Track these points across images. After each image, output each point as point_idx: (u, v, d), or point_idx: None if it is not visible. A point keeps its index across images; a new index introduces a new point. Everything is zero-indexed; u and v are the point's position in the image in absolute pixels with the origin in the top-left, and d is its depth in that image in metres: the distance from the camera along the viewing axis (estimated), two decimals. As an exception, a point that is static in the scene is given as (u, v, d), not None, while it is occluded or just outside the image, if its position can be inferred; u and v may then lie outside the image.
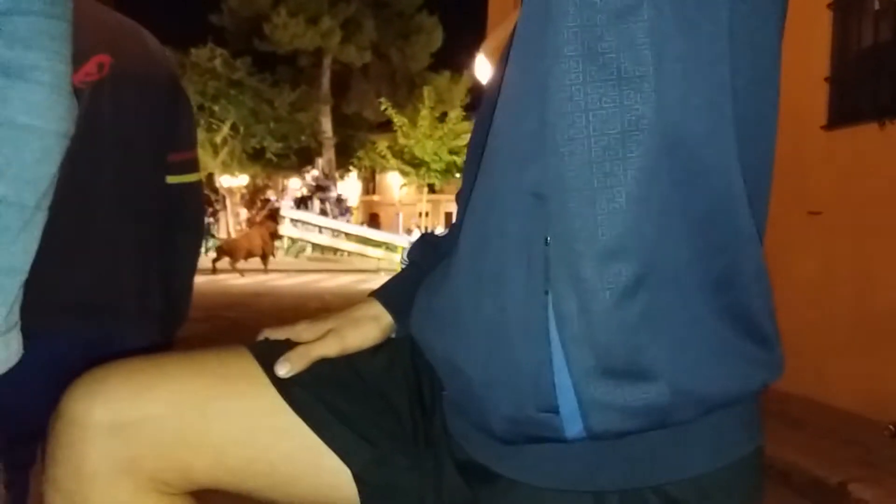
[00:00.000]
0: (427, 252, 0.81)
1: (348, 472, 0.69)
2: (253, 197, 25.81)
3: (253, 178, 26.14)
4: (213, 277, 13.84)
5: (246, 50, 22.65)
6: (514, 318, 0.58)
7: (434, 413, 0.73)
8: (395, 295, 0.79)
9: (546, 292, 0.58)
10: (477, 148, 0.68)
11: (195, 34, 22.96)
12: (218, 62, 22.44)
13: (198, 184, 1.35)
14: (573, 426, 0.58)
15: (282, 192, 27.39)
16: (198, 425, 0.67)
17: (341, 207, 19.96)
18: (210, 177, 24.36)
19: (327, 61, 22.78)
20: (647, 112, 0.54)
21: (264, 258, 15.19)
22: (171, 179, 1.27)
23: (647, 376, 0.56)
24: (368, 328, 0.76)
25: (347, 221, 19.50)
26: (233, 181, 25.29)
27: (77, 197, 1.10)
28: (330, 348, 0.73)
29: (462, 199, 0.72)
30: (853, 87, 4.15)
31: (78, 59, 1.07)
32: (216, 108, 22.56)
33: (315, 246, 18.70)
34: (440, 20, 23.53)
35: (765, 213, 0.65)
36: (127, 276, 1.19)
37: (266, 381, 0.70)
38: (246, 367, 0.71)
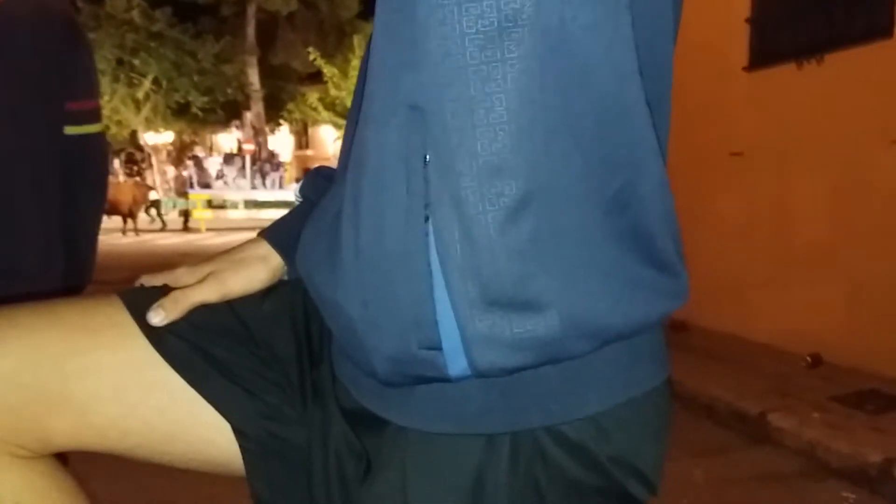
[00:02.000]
0: (320, 185, 0.74)
1: (228, 426, 0.64)
2: (180, 154, 25.00)
3: (179, 134, 25.25)
4: (141, 238, 13.45)
5: (165, 0, 21.61)
6: (392, 247, 0.53)
7: (322, 360, 0.68)
8: (285, 233, 0.72)
9: (427, 218, 0.52)
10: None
11: (109, -17, 21.73)
12: (136, 13, 21.35)
13: (100, 135, 1.27)
14: (457, 363, 0.54)
15: (210, 148, 26.62)
16: (56, 382, 0.61)
17: (273, 164, 19.48)
18: (133, 134, 23.47)
19: (251, 10, 21.90)
20: (525, 4, 0.47)
21: (128, 217, 14.17)
22: (70, 130, 1.19)
23: (535, 307, 0.51)
24: (254, 270, 0.70)
25: (280, 178, 19.03)
26: (158, 138, 24.38)
27: None
28: (210, 293, 0.67)
29: (349, 121, 0.65)
30: (773, 28, 4.20)
31: None
32: (136, 61, 21.58)
33: (247, 203, 18.24)
34: (368, -33, 22.85)
35: (666, 127, 0.59)
36: (26, 235, 1.11)
37: (136, 330, 0.64)
38: (114, 317, 0.64)
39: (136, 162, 24.68)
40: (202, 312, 0.67)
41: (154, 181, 22.74)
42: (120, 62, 21.34)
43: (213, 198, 18.07)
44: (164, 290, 0.67)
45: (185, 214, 16.34)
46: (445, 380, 0.55)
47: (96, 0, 21.12)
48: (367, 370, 0.59)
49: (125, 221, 14.25)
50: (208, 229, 15.58)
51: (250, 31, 22.25)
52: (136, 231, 14.15)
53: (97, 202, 1.31)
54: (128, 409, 0.63)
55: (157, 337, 0.64)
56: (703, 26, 4.58)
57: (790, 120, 3.98)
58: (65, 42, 1.16)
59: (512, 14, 0.48)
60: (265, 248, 0.72)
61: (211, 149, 27.13)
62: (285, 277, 0.73)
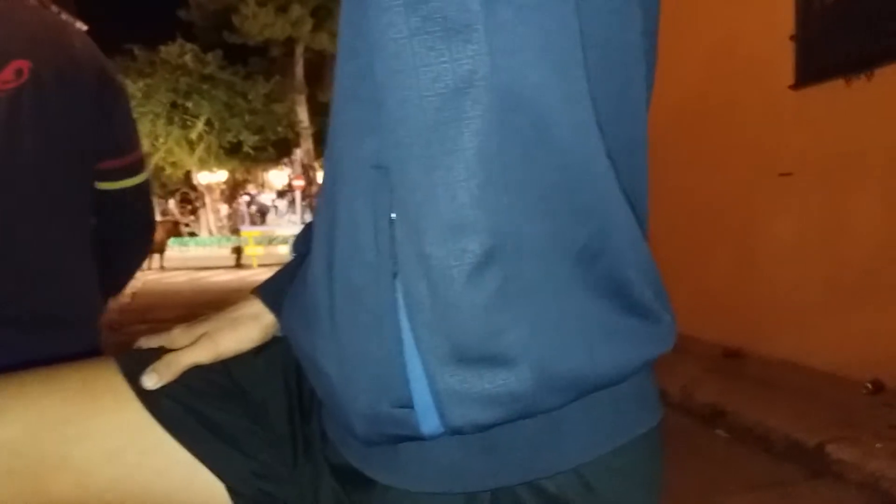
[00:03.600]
0: (310, 239, 0.75)
1: (223, 486, 0.65)
2: (233, 192, 25.66)
3: (232, 172, 25.95)
4: (194, 275, 13.76)
5: (216, 43, 22.38)
6: (364, 305, 0.53)
7: (312, 417, 0.69)
8: (277, 290, 0.72)
9: (395, 275, 0.52)
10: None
11: (164, 31, 22.73)
12: (188, 58, 22.23)
13: (144, 184, 1.28)
14: (429, 421, 0.53)
15: (261, 185, 27.23)
16: (56, 447, 0.62)
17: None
18: (188, 174, 24.20)
19: (299, 50, 22.56)
20: (479, 66, 0.48)
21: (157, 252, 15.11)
22: (108, 186, 1.21)
23: (505, 361, 0.50)
24: (247, 328, 0.71)
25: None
26: (211, 177, 25.08)
27: (1, 206, 1.04)
28: (202, 354, 0.68)
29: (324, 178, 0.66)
30: (819, 45, 4.09)
31: None
32: (189, 104, 22.39)
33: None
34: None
35: (641, 170, 0.59)
36: (62, 283, 1.13)
37: (131, 394, 0.65)
38: (110, 382, 0.65)
39: (190, 201, 25.40)
40: (196, 373, 0.67)
41: (207, 219, 23.34)
42: (174, 105, 22.14)
43: (265, 234, 18.45)
44: (160, 353, 0.68)
45: (238, 251, 16.68)
46: (419, 438, 0.54)
47: (151, 46, 22.02)
48: (347, 429, 0.58)
49: (151, 257, 14.94)
50: (260, 265, 15.88)
51: (299, 70, 22.88)
52: (162, 267, 14.73)
53: (141, 249, 1.35)
54: (126, 473, 0.64)
55: (151, 400, 0.65)
56: (746, 45, 4.51)
57: (840, 138, 3.86)
58: (98, 102, 1.17)
59: (466, 75, 0.49)
60: (258, 307, 0.72)
61: (262, 186, 27.75)
62: (278, 334, 0.73)
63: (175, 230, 16.26)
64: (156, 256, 14.95)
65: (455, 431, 0.53)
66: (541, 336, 0.51)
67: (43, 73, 1.07)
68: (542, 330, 0.51)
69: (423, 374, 0.52)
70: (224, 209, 24.23)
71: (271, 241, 18.71)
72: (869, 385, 3.46)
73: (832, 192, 3.93)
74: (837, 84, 3.86)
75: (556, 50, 0.50)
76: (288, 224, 18.68)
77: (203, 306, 9.72)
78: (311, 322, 0.59)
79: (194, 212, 24.07)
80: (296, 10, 21.17)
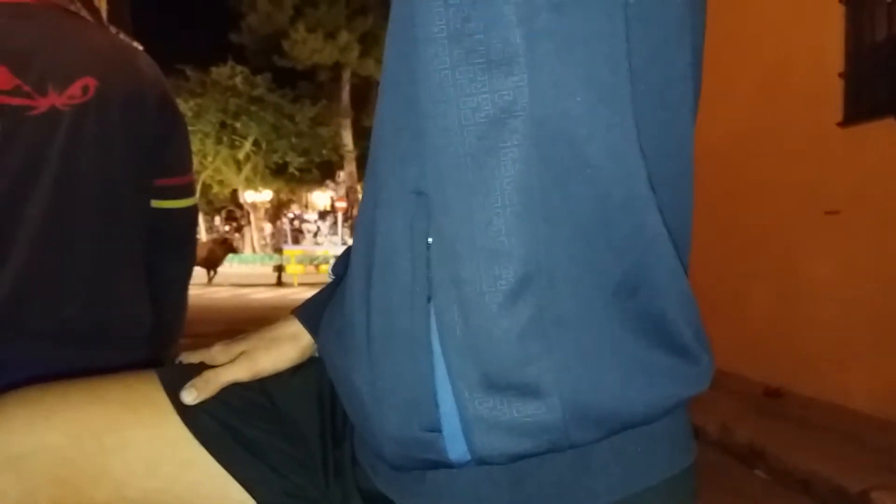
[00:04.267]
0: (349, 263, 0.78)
1: (254, 503, 0.66)
2: (277, 211, 26.03)
3: (276, 192, 26.36)
4: (236, 292, 13.97)
5: (266, 66, 22.87)
6: (398, 328, 0.54)
7: (345, 440, 0.70)
8: (315, 311, 0.74)
9: (429, 299, 0.53)
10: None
11: (216, 53, 23.33)
12: (239, 80, 22.73)
13: (191, 209, 1.31)
14: (457, 447, 0.53)
15: (305, 206, 27.58)
16: (96, 456, 0.64)
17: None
18: (234, 193, 24.64)
19: (346, 75, 22.92)
20: (519, 96, 0.49)
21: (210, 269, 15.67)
22: (160, 204, 1.24)
23: (536, 391, 0.50)
24: (285, 349, 0.72)
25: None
26: (256, 196, 25.51)
27: (57, 221, 1.08)
28: (240, 372, 0.70)
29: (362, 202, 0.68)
30: (868, 82, 4.04)
31: (62, 82, 1.07)
32: (238, 124, 22.84)
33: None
34: (458, 30, 23.51)
35: (685, 204, 0.59)
36: (111, 299, 1.16)
37: (170, 408, 0.66)
38: (151, 395, 0.67)
39: (235, 219, 25.84)
40: (233, 390, 0.69)
41: (252, 237, 23.67)
42: (223, 125, 22.61)
43: (306, 253, 18.65)
44: (200, 368, 0.70)
45: (279, 269, 16.89)
46: (447, 464, 0.55)
47: (203, 68, 22.59)
48: (377, 452, 0.59)
49: (209, 273, 15.57)
50: (300, 284, 16.04)
51: (345, 95, 23.24)
52: (209, 283, 15.32)
53: (183, 272, 1.37)
54: (162, 485, 0.65)
55: (189, 415, 0.66)
56: (795, 81, 4.47)
57: (888, 177, 3.79)
58: (158, 122, 1.20)
59: (507, 105, 0.50)
60: (296, 327, 0.73)
61: (306, 206, 28.11)
62: (315, 355, 0.74)
63: (230, 248, 16.60)
64: (210, 272, 15.49)
65: (482, 460, 0.53)
66: (573, 368, 0.51)
67: (108, 91, 1.11)
68: (574, 362, 0.51)
69: (452, 398, 0.52)
70: (268, 228, 24.57)
71: (312, 260, 18.92)
72: (916, 431, 3.36)
73: (878, 232, 3.85)
74: (887, 122, 3.80)
75: (600, 82, 0.50)
76: (329, 244, 18.86)
77: (244, 322, 9.82)
78: (348, 343, 0.59)
79: (239, 229, 24.47)
80: (344, 37, 21.55)
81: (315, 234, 19.24)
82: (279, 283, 16.28)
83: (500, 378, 0.51)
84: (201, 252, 15.27)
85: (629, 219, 0.52)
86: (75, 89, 1.09)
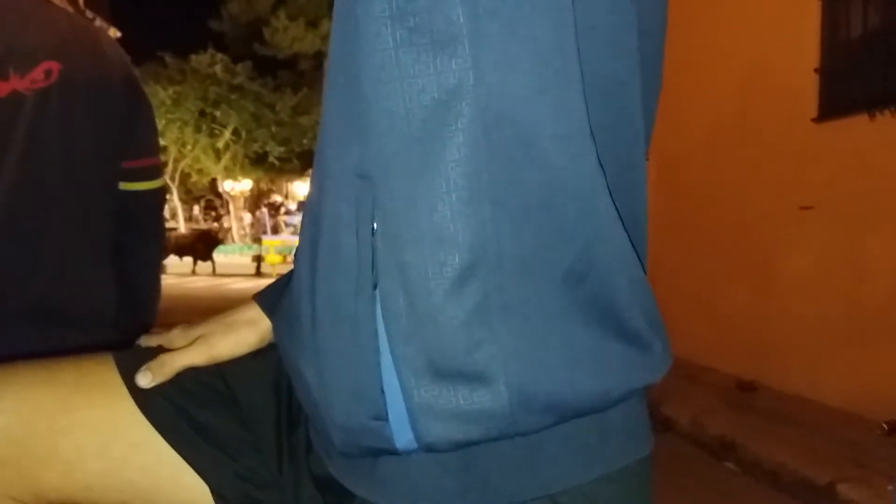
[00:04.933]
0: None
1: (207, 487, 0.65)
2: (257, 201, 25.88)
3: (256, 182, 26.19)
4: (215, 282, 13.88)
5: (246, 55, 22.71)
6: (343, 315, 0.53)
7: (299, 426, 0.69)
8: (274, 297, 0.72)
9: (375, 285, 0.52)
10: None
11: (195, 40, 23.08)
12: (218, 68, 22.52)
13: (158, 190, 1.31)
14: (403, 435, 0.53)
15: (285, 196, 27.45)
16: (46, 437, 0.63)
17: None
18: (213, 182, 24.47)
19: (328, 64, 22.82)
20: (464, 78, 0.48)
21: (196, 258, 15.36)
22: (127, 186, 1.23)
23: (482, 378, 0.50)
24: (243, 333, 0.71)
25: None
26: (236, 186, 25.33)
27: (23, 203, 1.07)
28: (197, 356, 0.69)
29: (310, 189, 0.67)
30: (843, 78, 4.07)
31: (24, 65, 1.06)
32: (217, 113, 22.65)
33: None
34: (441, 21, 23.50)
35: (639, 190, 0.57)
36: (76, 282, 1.15)
37: (124, 391, 0.65)
38: (104, 377, 0.66)
39: (214, 208, 25.67)
40: (189, 375, 0.68)
41: (231, 227, 23.53)
42: (202, 113, 22.42)
43: (285, 243, 18.56)
44: (157, 352, 0.69)
45: (258, 259, 16.79)
46: (394, 452, 0.54)
47: (182, 55, 22.37)
48: (326, 439, 0.58)
49: (195, 262, 15.27)
50: (280, 274, 15.95)
51: (326, 84, 23.09)
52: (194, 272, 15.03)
53: (153, 255, 1.36)
54: (112, 467, 0.64)
55: (143, 398, 0.65)
56: (771, 77, 4.49)
57: (863, 172, 3.82)
58: (124, 102, 1.20)
59: (452, 88, 0.49)
60: (255, 312, 0.72)
61: (286, 196, 27.97)
62: (274, 341, 0.73)
63: (215, 239, 16.44)
64: (199, 263, 15.26)
65: (428, 447, 0.52)
66: (520, 355, 0.50)
67: (72, 75, 1.10)
68: (521, 349, 0.50)
69: (398, 386, 0.52)
70: (247, 218, 24.42)
71: (292, 250, 18.85)
72: (884, 425, 3.40)
73: (853, 227, 3.89)
74: (861, 118, 3.83)
75: (547, 63, 0.49)
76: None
77: (220, 311, 9.72)
78: (295, 330, 0.59)
79: (218, 219, 24.30)
80: (326, 25, 21.41)
81: (293, 224, 19.14)
82: (258, 273, 16.18)
83: (446, 365, 0.50)
84: (187, 242, 15.15)
85: (578, 203, 0.51)
86: (38, 73, 1.07)
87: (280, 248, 17.95)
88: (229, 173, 24.15)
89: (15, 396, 0.64)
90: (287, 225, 18.92)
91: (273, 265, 16.39)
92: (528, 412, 0.51)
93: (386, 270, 0.51)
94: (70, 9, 1.22)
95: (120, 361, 0.67)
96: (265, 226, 18.62)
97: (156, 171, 1.31)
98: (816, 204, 4.11)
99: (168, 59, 22.63)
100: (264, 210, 20.20)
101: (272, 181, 26.97)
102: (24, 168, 1.06)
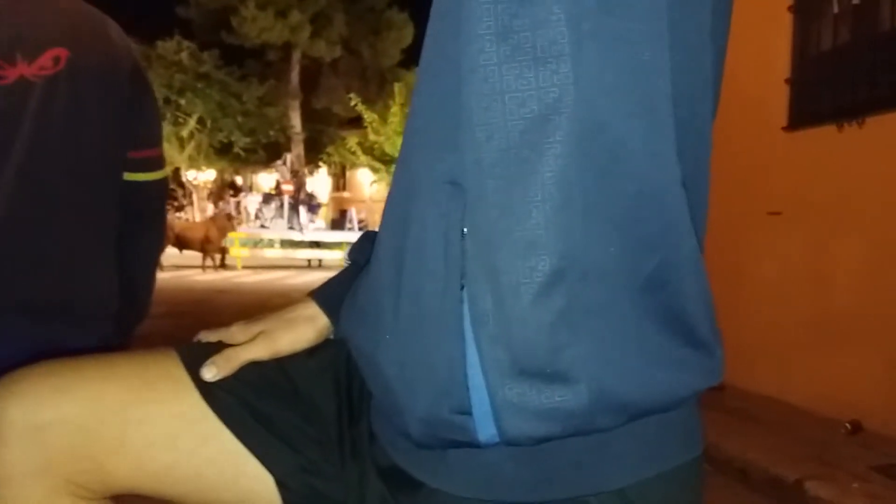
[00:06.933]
0: (367, 249, 0.77)
1: (271, 478, 0.68)
2: (221, 192, 25.50)
3: (220, 172, 25.82)
4: (178, 273, 13.67)
5: (213, 43, 22.31)
6: (430, 313, 0.56)
7: (361, 418, 0.71)
8: (332, 294, 0.76)
9: (463, 287, 0.55)
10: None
11: (162, 27, 22.59)
12: (185, 55, 22.13)
13: (161, 181, 1.30)
14: (486, 429, 0.56)
15: (250, 187, 27.12)
16: (116, 428, 0.65)
17: (310, 204, 19.76)
18: (177, 171, 24.02)
19: (296, 56, 22.56)
20: (564, 94, 0.51)
21: (206, 253, 14.81)
22: (130, 177, 1.23)
23: (564, 378, 0.53)
24: (302, 329, 0.74)
25: (314, 218, 19.27)
26: (199, 176, 24.95)
27: (29, 193, 1.07)
28: (260, 351, 0.71)
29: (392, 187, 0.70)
30: (813, 89, 4.20)
31: (32, 52, 1.05)
32: (183, 101, 22.24)
33: (283, 242, 18.48)
34: (411, 17, 23.53)
35: (704, 205, 0.62)
36: (80, 274, 1.14)
37: (190, 385, 0.68)
38: (170, 370, 0.69)
39: (177, 198, 25.24)
40: (252, 369, 0.70)
41: (193, 218, 23.16)
42: (167, 101, 21.98)
43: (251, 236, 18.34)
44: (219, 347, 0.72)
45: (222, 252, 16.57)
46: (475, 445, 0.57)
47: (148, 41, 21.91)
48: (401, 430, 0.61)
49: (204, 258, 14.68)
50: (244, 267, 15.78)
51: (294, 75, 22.86)
52: (216, 267, 14.53)
53: (153, 247, 1.36)
54: (180, 458, 0.67)
55: (209, 392, 0.68)
56: (742, 86, 4.60)
57: (830, 181, 3.95)
58: (130, 94, 1.19)
59: (552, 102, 0.51)
60: (313, 309, 0.75)
61: (251, 188, 27.62)
62: (331, 337, 0.76)
63: (230, 225, 15.69)
64: (208, 259, 14.74)
65: (510, 442, 0.55)
66: (600, 357, 0.53)
67: (80, 63, 1.09)
68: (601, 353, 0.53)
69: (482, 383, 0.55)
70: (210, 209, 24.07)
71: (257, 243, 18.63)
72: (848, 425, 3.53)
73: (819, 234, 4.02)
74: (829, 129, 3.96)
75: (643, 83, 0.52)
76: (273, 228, 18.56)
77: (186, 304, 9.61)
78: (375, 325, 0.61)
79: (180, 209, 23.91)
80: (295, 16, 21.18)
81: (256, 217, 18.90)
82: (222, 265, 15.98)
83: (531, 365, 0.53)
84: (195, 234, 14.58)
85: (662, 217, 0.55)
86: (46, 60, 1.07)
87: (245, 241, 17.75)
88: (193, 163, 23.75)
89: (85, 389, 0.66)
90: (255, 217, 18.62)
91: (238, 258, 16.21)
92: (606, 412, 0.54)
93: (474, 273, 0.54)
94: None
95: (184, 356, 0.70)
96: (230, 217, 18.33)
97: (160, 162, 1.30)
98: (784, 210, 4.24)
99: (133, 44, 22.13)
100: (230, 201, 19.92)
101: (236, 171, 26.62)
102: (31, 155, 1.06)
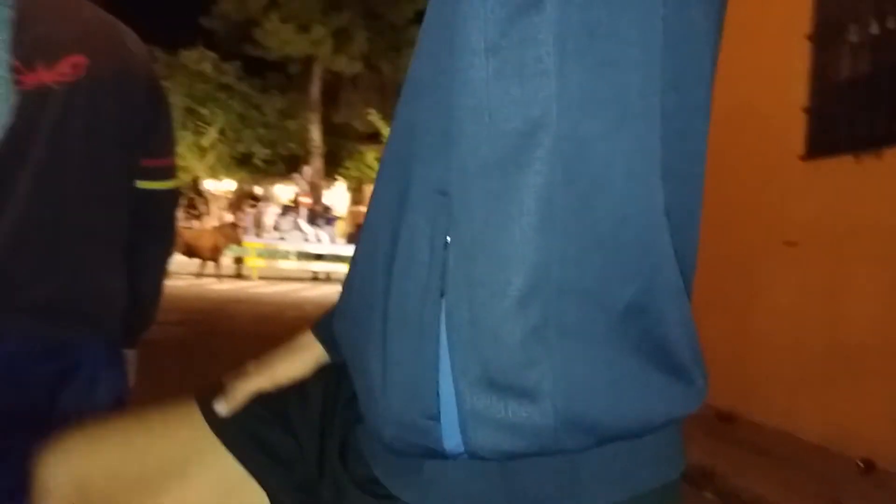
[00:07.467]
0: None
1: (265, 495, 0.72)
2: (239, 202, 25.69)
3: (239, 183, 26.03)
4: (195, 281, 13.77)
5: (236, 54, 22.56)
6: (411, 317, 0.57)
7: (342, 431, 0.75)
8: (327, 325, 0.79)
9: (443, 294, 0.56)
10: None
11: (185, 36, 22.87)
12: (207, 65, 22.40)
13: (172, 191, 1.32)
14: (452, 438, 0.56)
15: (267, 199, 27.30)
16: (138, 470, 0.73)
17: (327, 217, 19.84)
18: (196, 180, 24.27)
19: (318, 69, 22.73)
20: (547, 112, 0.52)
21: (209, 261, 14.95)
22: (142, 185, 1.25)
23: (532, 395, 0.53)
24: (299, 359, 0.79)
25: (333, 231, 19.35)
26: (218, 186, 25.17)
27: (45, 196, 1.09)
28: (262, 382, 0.77)
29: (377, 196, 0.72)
30: (831, 119, 4.17)
31: (51, 58, 1.08)
32: (204, 111, 22.50)
33: (299, 254, 18.57)
34: (432, 32, 23.49)
35: (694, 231, 0.62)
36: (90, 276, 1.17)
37: (201, 420, 0.74)
38: (186, 411, 0.75)
39: (195, 207, 25.47)
40: (257, 398, 0.76)
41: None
42: (189, 111, 22.24)
43: (267, 247, 18.43)
44: (232, 383, 0.78)
45: (238, 262, 16.66)
46: (442, 453, 0.58)
47: (171, 50, 22.22)
48: (378, 435, 0.62)
49: (203, 266, 14.79)
50: (260, 277, 15.86)
51: (315, 89, 23.03)
52: (219, 276, 14.62)
53: (163, 253, 1.38)
54: (190, 483, 0.73)
55: (218, 425, 0.74)
56: (760, 114, 4.58)
57: (847, 212, 3.91)
58: (146, 103, 1.21)
59: (536, 119, 0.52)
60: (310, 339, 0.80)
61: (269, 199, 27.81)
62: (326, 362, 0.80)
63: (234, 235, 16.01)
64: (209, 267, 14.90)
65: (474, 453, 0.56)
66: (570, 377, 0.53)
67: (99, 71, 1.11)
68: (572, 372, 0.53)
69: (452, 390, 0.55)
70: (229, 218, 24.25)
71: (273, 254, 18.73)
72: (860, 463, 3.47)
73: (834, 265, 3.98)
74: (847, 159, 3.92)
75: (627, 106, 0.53)
76: (290, 239, 18.65)
77: (200, 313, 9.69)
78: (365, 325, 0.63)
79: (199, 218, 24.11)
80: (317, 31, 21.35)
81: (274, 228, 19.01)
82: (238, 275, 16.07)
83: (500, 378, 0.54)
84: (204, 242, 14.85)
85: (642, 241, 0.55)
86: (65, 66, 1.08)
87: (262, 252, 17.86)
88: (213, 173, 23.98)
89: (115, 442, 0.75)
90: (275, 228, 18.73)
91: (254, 268, 16.29)
92: (572, 432, 0.54)
93: (454, 282, 0.55)
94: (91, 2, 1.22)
95: (200, 396, 0.76)
96: (247, 227, 18.46)
97: (172, 171, 1.32)
98: (800, 240, 4.20)
99: (157, 53, 22.45)
100: (248, 211, 20.04)
101: (255, 182, 26.82)
102: (49, 160, 1.08)
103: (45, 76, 1.06)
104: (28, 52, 1.05)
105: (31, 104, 1.06)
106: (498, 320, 0.53)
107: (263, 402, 0.76)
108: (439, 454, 0.58)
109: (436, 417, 0.57)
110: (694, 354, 0.59)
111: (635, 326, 0.55)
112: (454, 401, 0.55)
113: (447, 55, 0.55)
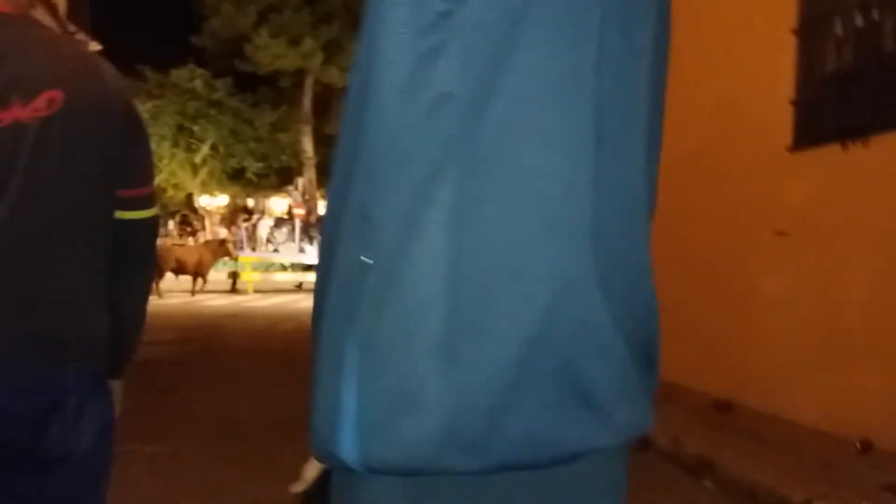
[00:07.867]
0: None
1: None
2: (233, 217, 25.67)
3: (233, 197, 26.04)
4: (189, 298, 13.74)
5: (227, 70, 22.64)
6: (333, 331, 0.60)
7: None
8: None
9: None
10: None
11: (176, 55, 22.95)
12: (198, 83, 22.48)
13: (151, 220, 1.32)
14: (353, 451, 0.58)
15: (262, 212, 27.29)
16: None
17: (321, 228, 19.83)
18: (189, 197, 24.26)
19: (309, 82, 22.80)
20: (464, 133, 0.54)
21: (195, 276, 14.86)
22: (122, 215, 1.24)
23: (422, 411, 0.54)
24: None
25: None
26: (212, 201, 25.16)
27: (23, 232, 1.09)
28: (318, 466, 0.79)
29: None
30: (818, 110, 4.22)
31: (27, 94, 1.08)
32: (196, 128, 22.58)
33: (294, 266, 18.54)
34: (421, 43, 23.59)
35: (638, 244, 0.62)
36: (73, 311, 1.17)
37: None
38: None
39: (189, 223, 25.43)
40: (321, 476, 0.78)
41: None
42: (180, 128, 22.30)
43: (262, 260, 18.40)
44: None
45: (234, 276, 16.63)
46: (343, 463, 0.59)
47: (162, 69, 22.27)
48: (310, 443, 0.64)
49: (194, 282, 14.72)
50: (256, 291, 15.84)
51: (307, 101, 23.09)
52: (195, 292, 14.56)
53: (143, 284, 1.37)
54: None
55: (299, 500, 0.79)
56: (748, 107, 4.63)
57: (836, 201, 3.96)
58: (123, 135, 1.21)
59: (451, 141, 0.55)
60: None
61: (263, 212, 27.81)
62: None
63: (223, 250, 15.98)
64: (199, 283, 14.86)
65: (366, 464, 0.57)
66: (461, 398, 0.53)
67: (74, 104, 1.11)
68: (468, 395, 0.53)
69: (355, 405, 0.57)
70: (223, 233, 24.22)
71: (268, 267, 18.69)
72: (858, 444, 3.50)
73: (826, 252, 4.02)
74: (834, 149, 3.97)
75: (545, 132, 0.55)
76: (284, 251, 18.64)
77: (196, 330, 9.65)
78: (315, 332, 0.66)
79: (193, 234, 24.07)
80: (308, 44, 21.44)
81: (268, 241, 19.00)
82: (233, 290, 16.04)
83: (398, 395, 0.55)
84: (191, 258, 14.76)
85: (548, 253, 0.55)
86: (40, 102, 1.09)
87: (256, 265, 17.83)
88: (206, 188, 24.00)
89: None
90: (268, 241, 18.71)
91: (249, 282, 16.26)
92: (457, 452, 0.54)
93: (370, 300, 0.56)
94: (55, 25, 1.22)
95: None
96: (241, 242, 18.45)
97: (150, 200, 1.32)
98: (791, 229, 4.24)
99: (148, 73, 22.51)
100: (242, 226, 20.04)
101: (249, 196, 26.83)
102: (25, 196, 1.08)
103: (21, 113, 1.07)
104: (4, 90, 1.06)
105: (7, 141, 1.06)
106: (399, 336, 0.55)
107: (322, 478, 0.77)
108: (344, 465, 0.59)
109: (338, 427, 0.58)
110: (619, 386, 0.57)
111: (544, 357, 0.54)
112: (355, 414, 0.57)
113: (365, 91, 0.58)
